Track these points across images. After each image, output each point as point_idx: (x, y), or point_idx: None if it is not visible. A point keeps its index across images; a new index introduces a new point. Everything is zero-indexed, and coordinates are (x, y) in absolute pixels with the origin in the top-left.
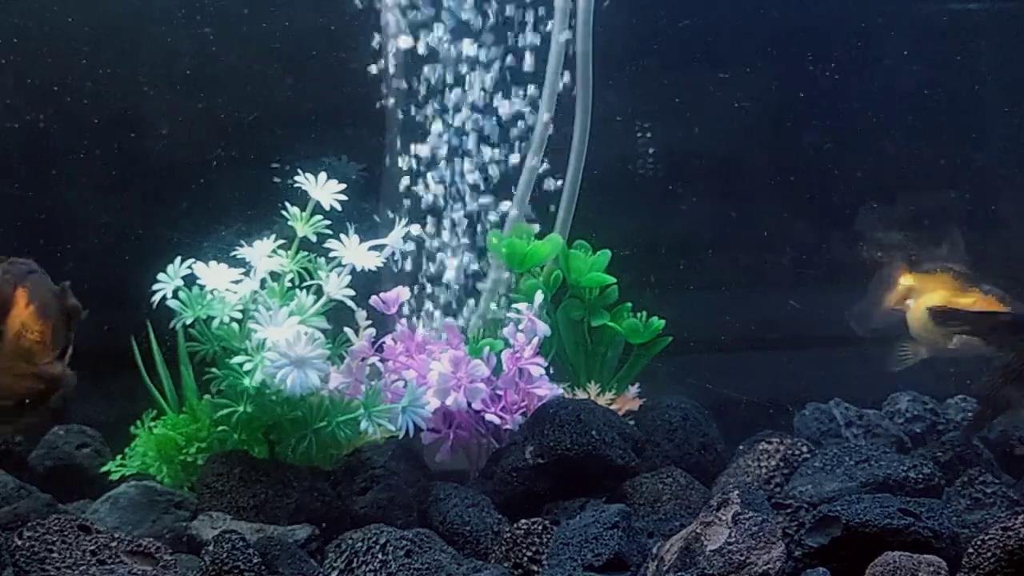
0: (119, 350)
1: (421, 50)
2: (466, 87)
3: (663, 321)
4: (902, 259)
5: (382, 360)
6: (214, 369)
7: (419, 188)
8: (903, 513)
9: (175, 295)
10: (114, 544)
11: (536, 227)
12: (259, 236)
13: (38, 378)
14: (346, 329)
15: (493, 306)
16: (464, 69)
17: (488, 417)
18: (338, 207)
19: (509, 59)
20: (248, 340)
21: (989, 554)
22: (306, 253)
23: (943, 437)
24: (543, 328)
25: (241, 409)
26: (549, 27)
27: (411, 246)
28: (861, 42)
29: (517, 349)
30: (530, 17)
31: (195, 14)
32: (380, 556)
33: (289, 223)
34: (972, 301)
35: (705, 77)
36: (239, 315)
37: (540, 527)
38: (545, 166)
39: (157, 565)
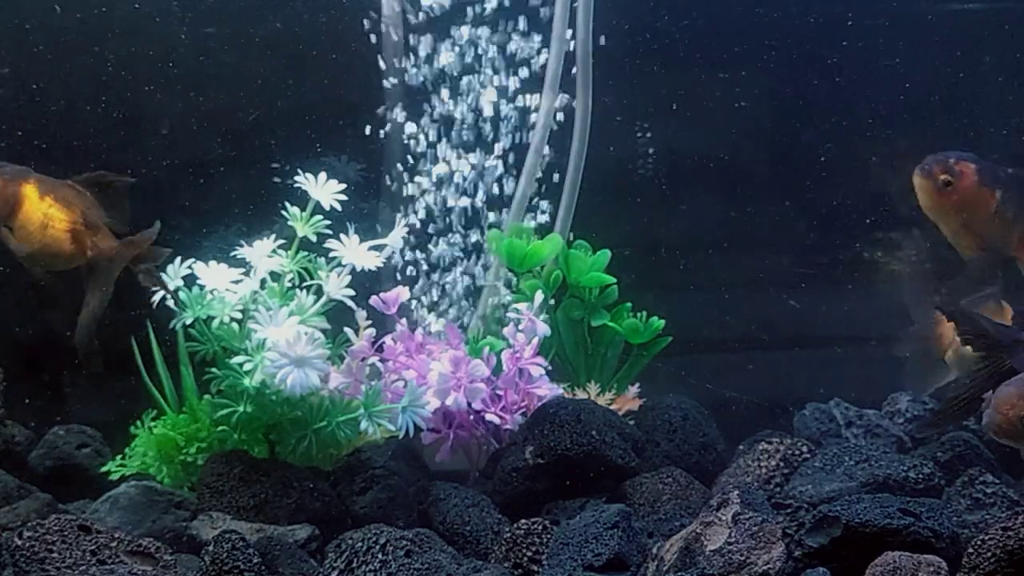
0: (119, 350)
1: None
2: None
3: (663, 321)
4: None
5: (382, 360)
6: (214, 369)
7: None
8: (903, 513)
9: (175, 295)
10: (114, 544)
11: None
12: (259, 236)
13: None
14: (346, 329)
15: (492, 301)
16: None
17: (488, 417)
18: (338, 207)
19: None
20: (248, 340)
21: (989, 554)
22: (306, 253)
23: (943, 437)
24: (543, 328)
25: (241, 409)
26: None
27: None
28: (861, 42)
29: (517, 349)
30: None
31: (195, 13)
32: (380, 556)
33: (289, 223)
34: None
35: (705, 77)
36: (239, 315)
37: (540, 527)
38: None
39: (157, 565)
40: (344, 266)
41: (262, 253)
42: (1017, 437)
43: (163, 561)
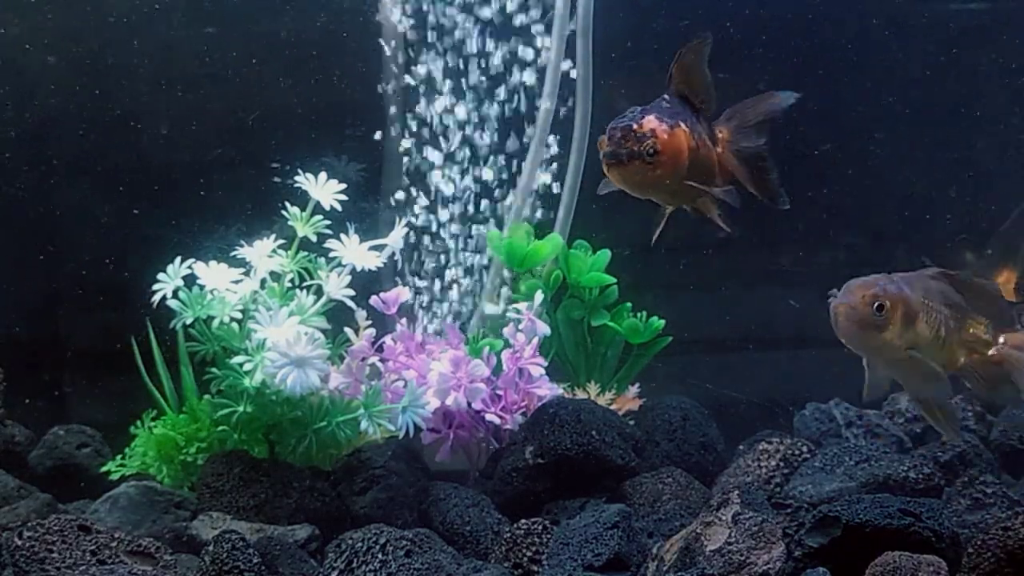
0: (119, 350)
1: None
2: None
3: (663, 321)
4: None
5: (382, 360)
6: (214, 369)
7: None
8: (903, 513)
9: (175, 295)
10: (114, 544)
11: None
12: (259, 236)
13: None
14: (346, 329)
15: (492, 308)
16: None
17: (488, 417)
18: (338, 207)
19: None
20: (248, 340)
21: (989, 554)
22: (306, 253)
23: (943, 437)
24: (543, 328)
25: (241, 409)
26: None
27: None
28: (861, 42)
29: (517, 349)
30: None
31: (196, 13)
32: (380, 556)
33: (289, 223)
34: None
35: None
36: (239, 315)
37: (540, 527)
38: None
39: (157, 565)
40: (344, 266)
41: (262, 253)
42: (863, 330)
43: (163, 561)
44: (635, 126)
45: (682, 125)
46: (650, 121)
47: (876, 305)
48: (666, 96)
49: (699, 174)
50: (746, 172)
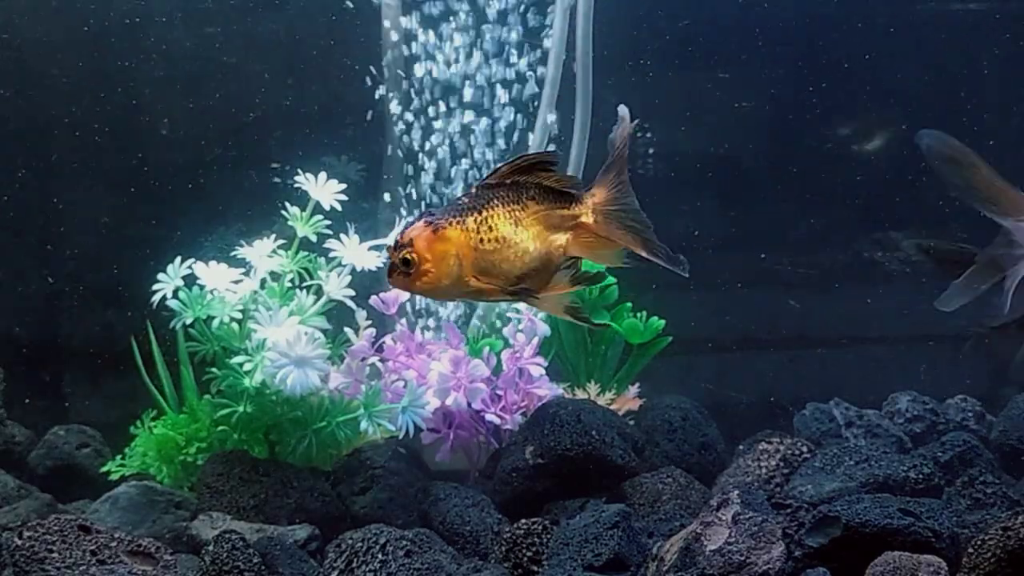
0: (119, 350)
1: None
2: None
3: (663, 321)
4: None
5: (382, 360)
6: (214, 369)
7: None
8: (903, 513)
9: (175, 295)
10: (114, 544)
11: None
12: (259, 236)
13: None
14: (346, 329)
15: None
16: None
17: (488, 417)
18: (338, 207)
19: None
20: (248, 340)
21: (989, 554)
22: (306, 253)
23: (943, 437)
24: (543, 328)
25: (241, 409)
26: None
27: None
28: (862, 42)
29: (517, 349)
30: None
31: (195, 14)
32: (380, 556)
33: (289, 223)
34: None
35: (705, 77)
36: (239, 315)
37: (540, 527)
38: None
39: (157, 565)
40: (344, 266)
41: (262, 253)
42: None
43: (163, 561)
44: (400, 237)
45: (468, 221)
46: (415, 228)
47: None
48: (476, 184)
49: (523, 267)
50: (630, 236)
